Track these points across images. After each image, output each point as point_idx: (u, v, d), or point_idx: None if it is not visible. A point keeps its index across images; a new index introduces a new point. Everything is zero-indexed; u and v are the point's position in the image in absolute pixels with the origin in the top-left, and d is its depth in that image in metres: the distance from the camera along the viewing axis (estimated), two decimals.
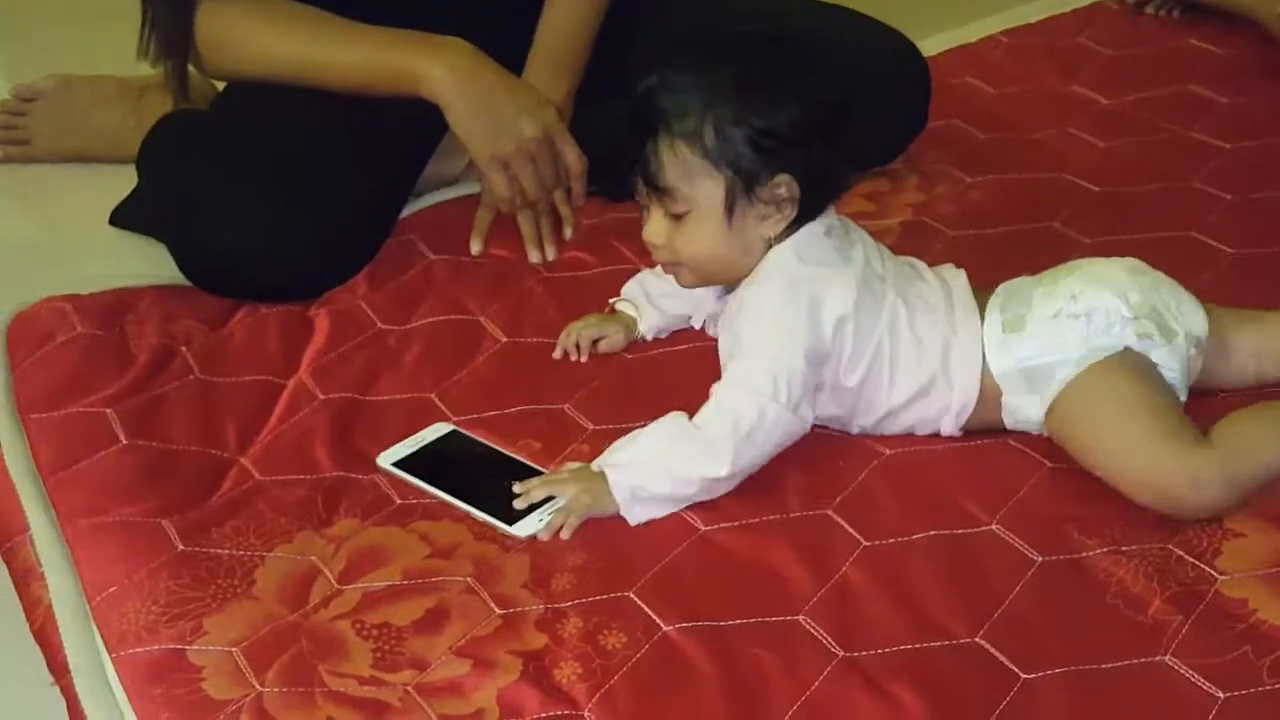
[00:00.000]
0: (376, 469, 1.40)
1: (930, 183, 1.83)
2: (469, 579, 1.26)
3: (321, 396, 1.52)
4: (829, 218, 1.35)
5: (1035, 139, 1.93)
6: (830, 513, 1.30)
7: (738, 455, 1.27)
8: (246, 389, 1.53)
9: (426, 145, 1.81)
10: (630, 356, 1.52)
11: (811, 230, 1.33)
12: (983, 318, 1.34)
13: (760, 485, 1.32)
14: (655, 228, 1.33)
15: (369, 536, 1.32)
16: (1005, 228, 1.73)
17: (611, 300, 1.57)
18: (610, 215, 1.77)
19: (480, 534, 1.30)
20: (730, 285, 1.38)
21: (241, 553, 1.31)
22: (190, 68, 1.74)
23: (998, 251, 1.66)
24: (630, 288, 1.54)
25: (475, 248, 1.74)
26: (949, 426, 1.35)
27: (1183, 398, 1.32)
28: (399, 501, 1.36)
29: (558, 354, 1.53)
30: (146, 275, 1.72)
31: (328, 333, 1.61)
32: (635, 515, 1.29)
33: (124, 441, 1.45)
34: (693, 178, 1.29)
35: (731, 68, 1.29)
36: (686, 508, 1.30)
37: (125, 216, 1.87)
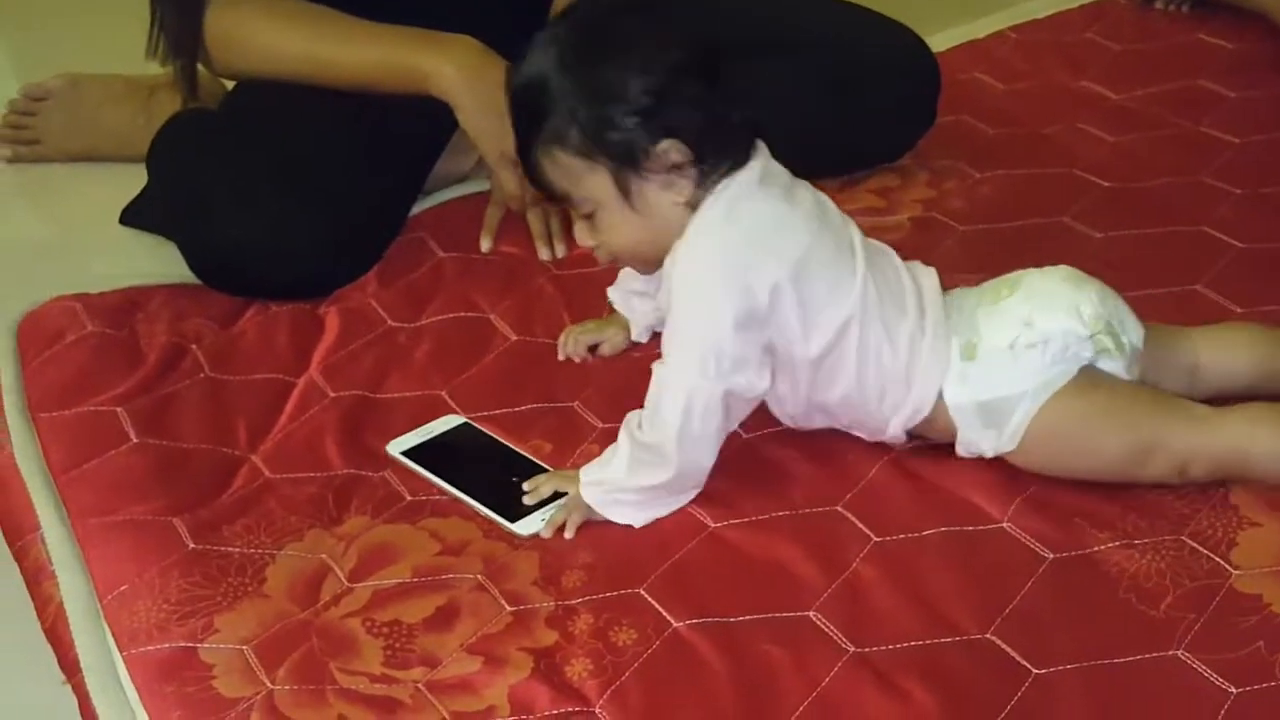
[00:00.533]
0: (386, 465, 1.40)
1: (940, 178, 1.82)
2: (479, 576, 1.26)
3: (332, 394, 1.52)
4: (759, 162, 1.27)
5: (1045, 134, 1.93)
6: (840, 509, 1.30)
7: (682, 452, 1.25)
8: (257, 387, 1.53)
9: (436, 143, 1.81)
10: (638, 354, 1.52)
11: (741, 182, 1.26)
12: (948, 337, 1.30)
13: (769, 481, 1.32)
14: (579, 231, 1.31)
15: (379, 534, 1.32)
16: (1015, 223, 1.72)
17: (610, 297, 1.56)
18: None
19: (490, 531, 1.30)
20: None
21: (252, 551, 1.31)
22: (199, 67, 1.75)
23: (1009, 246, 1.65)
24: (613, 294, 1.52)
25: (485, 245, 1.74)
26: (895, 428, 1.30)
27: None
28: (409, 499, 1.36)
29: (560, 356, 1.53)
30: (156, 274, 1.72)
31: (338, 330, 1.61)
32: (628, 519, 1.29)
33: (134, 440, 1.45)
34: (577, 178, 1.26)
35: (567, 54, 1.24)
36: (695, 504, 1.30)
37: (135, 215, 1.87)
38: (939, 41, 2.10)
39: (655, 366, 1.27)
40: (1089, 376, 1.27)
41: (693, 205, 1.27)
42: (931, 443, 1.32)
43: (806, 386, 1.30)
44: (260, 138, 1.67)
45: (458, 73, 1.63)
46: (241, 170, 1.64)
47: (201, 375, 1.55)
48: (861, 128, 1.78)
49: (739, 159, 1.27)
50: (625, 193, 1.26)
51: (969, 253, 1.64)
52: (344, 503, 1.37)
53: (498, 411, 1.47)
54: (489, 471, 1.38)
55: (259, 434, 1.47)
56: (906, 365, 1.28)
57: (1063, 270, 1.32)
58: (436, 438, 1.43)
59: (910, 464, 1.33)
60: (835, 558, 1.25)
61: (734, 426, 1.30)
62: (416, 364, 1.56)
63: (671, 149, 1.24)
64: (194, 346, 1.60)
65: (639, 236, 1.29)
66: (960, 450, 1.31)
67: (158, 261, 1.76)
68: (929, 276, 1.33)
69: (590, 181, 1.26)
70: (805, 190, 1.32)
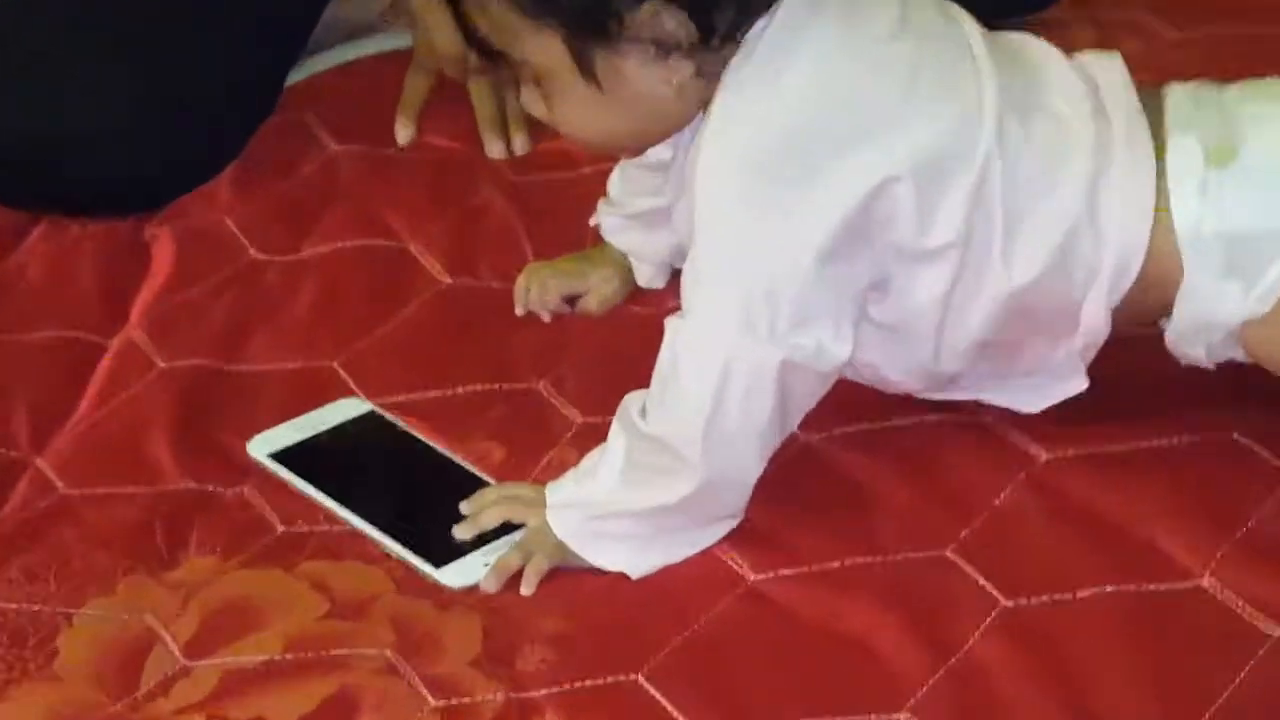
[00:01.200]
0: (247, 475, 1.42)
1: (1113, 37, 1.82)
2: (389, 652, 1.26)
3: (162, 364, 1.52)
4: None
5: None
6: (950, 554, 1.31)
7: (710, 454, 1.26)
8: (45, 352, 1.54)
9: None
10: (638, 308, 1.53)
11: (787, 8, 1.26)
12: (1158, 150, 1.31)
13: (841, 510, 1.34)
14: (527, 95, 1.33)
15: (235, 583, 1.33)
16: None
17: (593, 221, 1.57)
18: None
19: (408, 581, 1.32)
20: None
21: (36, 608, 1.31)
22: None
23: None
24: (603, 216, 1.52)
25: (403, 135, 1.74)
26: (1093, 315, 1.31)
27: None
28: (281, 529, 1.37)
29: (519, 310, 1.54)
30: None
31: (172, 264, 1.62)
32: (622, 563, 1.31)
33: None
34: (515, 36, 1.28)
35: None
36: (727, 543, 1.32)
37: None
38: None
39: (670, 321, 1.28)
40: None
41: (704, 77, 1.28)
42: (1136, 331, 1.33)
43: (932, 310, 1.31)
44: None
45: None
46: (22, 14, 1.64)
47: None
48: None
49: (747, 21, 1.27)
50: (586, 67, 1.27)
51: None
52: (180, 535, 1.37)
53: (421, 395, 1.48)
54: (405, 488, 1.39)
55: (48, 425, 1.47)
56: (1088, 212, 1.29)
57: None
58: (325, 434, 1.44)
59: (1060, 483, 1.35)
60: (943, 631, 1.25)
61: (793, 425, 1.31)
62: (295, 319, 1.57)
63: (660, 16, 1.25)
64: None
65: (608, 124, 1.32)
66: (1176, 322, 1.31)
67: None
68: (1111, 70, 1.35)
69: (535, 45, 1.28)
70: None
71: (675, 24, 1.25)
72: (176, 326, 1.56)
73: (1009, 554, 1.30)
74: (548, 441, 1.43)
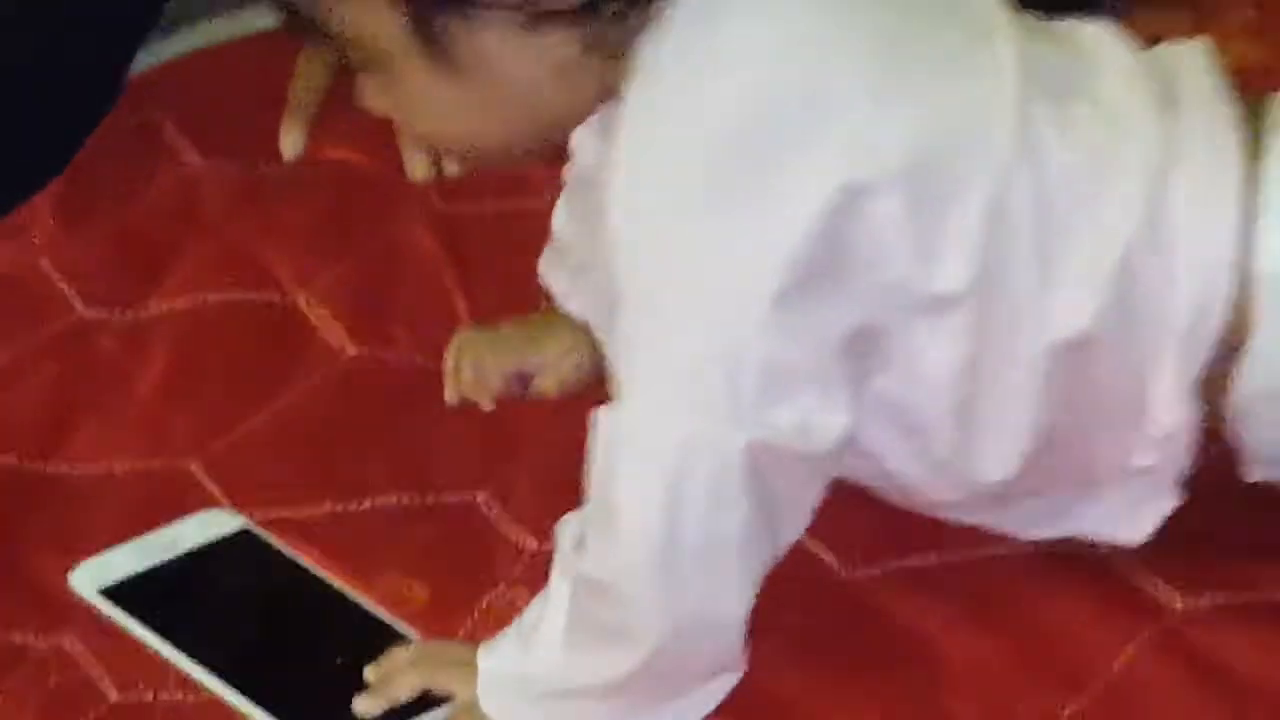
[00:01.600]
0: (66, 620, 1.40)
1: (1210, 18, 1.84)
2: None
3: None
4: None
5: None
6: None
7: (664, 598, 1.25)
8: None
9: None
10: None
11: None
12: (1251, 152, 1.31)
13: (898, 675, 1.35)
14: (363, 86, 1.35)
15: None
16: None
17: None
18: None
19: None
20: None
21: None
22: None
23: None
24: (555, 275, 1.51)
25: (290, 145, 1.71)
26: (1166, 389, 1.29)
27: None
28: (116, 696, 1.37)
29: (450, 396, 1.52)
30: None
31: None
32: None
33: None
34: (342, 7, 1.29)
35: None
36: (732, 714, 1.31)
37: None
38: None
39: (599, 413, 1.27)
40: None
41: (600, 55, 1.29)
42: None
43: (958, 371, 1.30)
44: None
45: None
46: None
47: None
48: None
49: None
50: (430, 43, 1.28)
51: None
52: None
53: (314, 510, 1.47)
54: (287, 640, 1.39)
55: None
56: (1148, 215, 1.29)
57: None
58: (176, 562, 1.44)
59: (1194, 640, 1.36)
60: None
61: (788, 536, 1.30)
62: (138, 401, 1.56)
63: None
64: None
65: (470, 122, 1.33)
66: (1234, 411, 1.31)
67: None
68: (1192, 55, 1.37)
69: (367, 19, 1.29)
70: None
71: None
72: None
73: None
74: (488, 578, 1.42)
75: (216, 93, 1.81)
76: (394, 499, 1.47)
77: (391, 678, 1.34)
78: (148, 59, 1.84)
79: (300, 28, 1.34)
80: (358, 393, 1.56)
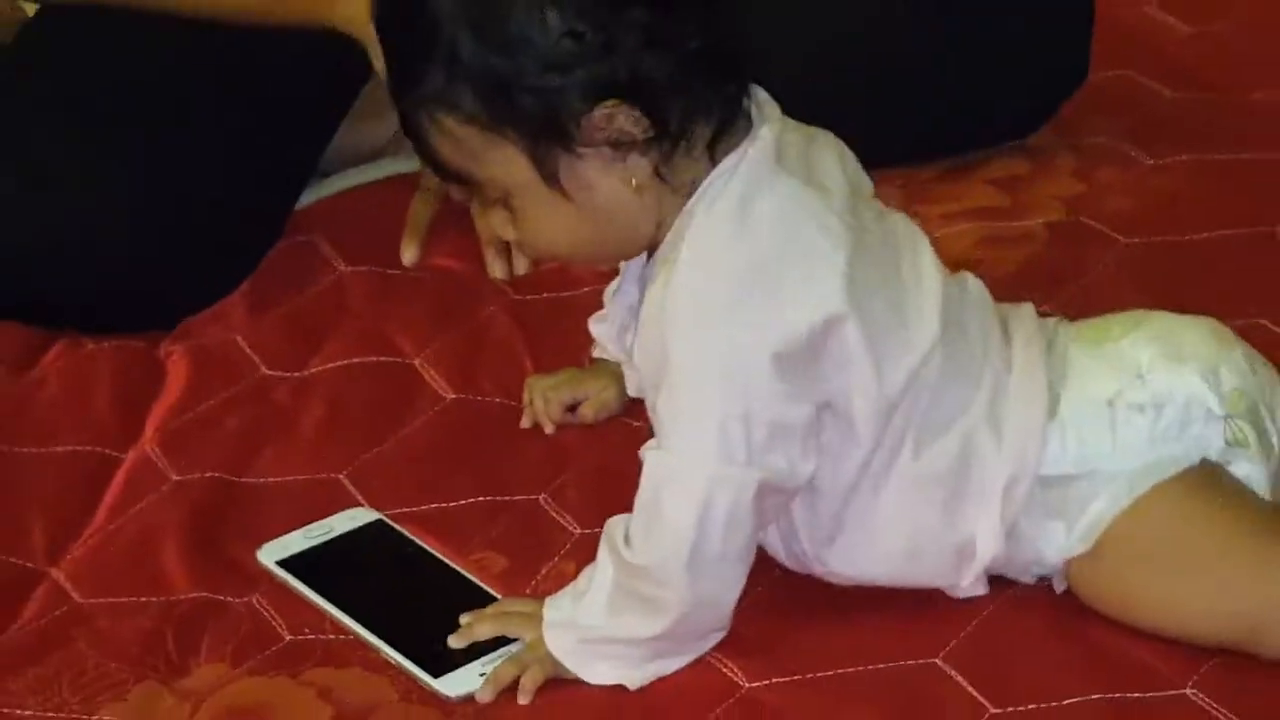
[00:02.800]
0: (256, 586, 1.41)
1: (1092, 164, 1.83)
2: None
3: (175, 477, 1.53)
4: (771, 129, 1.28)
5: (1251, 101, 1.94)
6: (940, 662, 1.30)
7: (695, 583, 1.26)
8: (62, 465, 1.54)
9: (337, 102, 1.82)
10: (635, 422, 1.52)
11: (754, 162, 1.27)
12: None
13: (833, 620, 1.33)
14: (496, 218, 1.32)
15: (243, 691, 1.32)
16: (1205, 233, 1.72)
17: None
18: None
19: (411, 690, 1.31)
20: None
21: (50, 715, 1.30)
22: None
23: (1193, 269, 1.66)
24: (596, 329, 1.52)
25: (409, 256, 1.74)
26: (986, 542, 1.30)
27: None
28: (288, 638, 1.36)
29: (525, 422, 1.54)
30: None
31: (186, 381, 1.62)
32: (617, 678, 1.30)
33: None
34: (477, 155, 1.27)
35: None
36: (720, 651, 1.31)
37: None
38: None
39: (646, 453, 1.28)
40: (1210, 476, 1.29)
41: (666, 182, 1.27)
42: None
43: (861, 466, 1.30)
44: (68, 87, 1.68)
45: None
46: (35, 133, 1.65)
47: None
48: (978, 84, 1.80)
49: (727, 117, 1.27)
50: (549, 175, 1.26)
51: (1135, 278, 1.64)
52: (191, 643, 1.36)
53: (425, 507, 1.47)
54: (407, 597, 1.39)
55: (64, 536, 1.47)
56: (988, 418, 1.29)
57: (1207, 322, 1.34)
58: (332, 542, 1.44)
59: (1042, 596, 1.34)
60: None
61: (756, 541, 1.30)
62: (304, 433, 1.57)
63: (616, 116, 1.24)
64: None
65: (578, 233, 1.30)
66: (1006, 558, 1.31)
67: None
68: (1021, 312, 1.37)
69: (497, 160, 1.26)
70: (828, 155, 1.32)
71: (629, 121, 1.24)
72: (189, 441, 1.56)
73: (998, 663, 1.29)
74: (546, 553, 1.42)
75: (356, 220, 1.80)
76: (480, 498, 1.48)
77: (476, 625, 1.33)
78: (305, 199, 1.83)
79: (445, 176, 1.30)
80: (456, 425, 1.56)
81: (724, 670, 1.30)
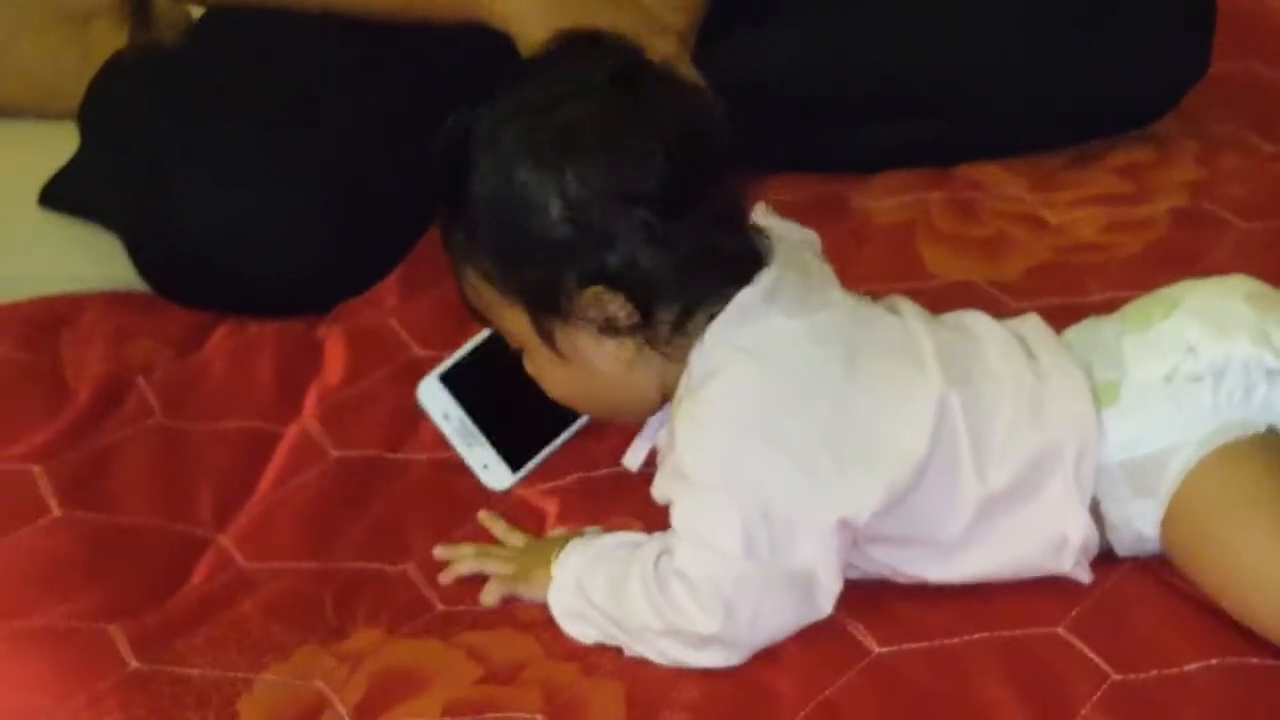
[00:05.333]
0: (408, 555, 1.43)
1: (1214, 152, 1.83)
2: (539, 716, 1.27)
3: (334, 453, 1.54)
4: (770, 273, 1.30)
5: None
6: (1062, 631, 1.30)
7: (740, 637, 1.27)
8: (228, 439, 1.57)
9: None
10: None
11: (744, 306, 1.29)
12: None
13: (958, 588, 1.33)
14: (524, 358, 1.37)
15: (398, 653, 1.34)
16: None
17: None
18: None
19: (553, 650, 1.32)
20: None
21: (219, 673, 1.33)
22: None
23: None
24: None
25: None
26: (1075, 526, 1.29)
27: None
28: (440, 607, 1.39)
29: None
30: (90, 277, 1.76)
31: (344, 361, 1.64)
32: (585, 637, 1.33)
33: (57, 512, 1.48)
34: (491, 307, 1.34)
35: (514, 127, 1.28)
36: (853, 620, 1.31)
37: (61, 193, 1.90)
38: None
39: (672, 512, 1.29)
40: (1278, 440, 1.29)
41: (661, 355, 1.31)
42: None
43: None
44: (238, 87, 1.71)
45: None
46: (211, 132, 1.68)
47: (151, 421, 1.59)
48: (1099, 75, 1.80)
49: (718, 294, 1.30)
50: (546, 338, 1.31)
51: (1253, 261, 1.61)
52: (349, 608, 1.39)
53: (567, 479, 1.49)
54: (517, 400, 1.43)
55: (230, 506, 1.50)
56: (1033, 420, 1.30)
57: (1238, 280, 1.35)
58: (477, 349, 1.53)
59: (1161, 567, 1.34)
60: (1055, 702, 1.25)
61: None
62: None
63: (604, 300, 1.29)
64: (141, 380, 1.63)
65: (576, 390, 1.36)
66: (1116, 544, 1.32)
67: (91, 259, 1.79)
68: (1027, 321, 1.38)
69: (507, 315, 1.33)
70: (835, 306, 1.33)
71: (617, 306, 1.28)
72: (347, 418, 1.58)
73: (1118, 632, 1.29)
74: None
75: None
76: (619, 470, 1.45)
77: (457, 560, 1.39)
78: None
79: (473, 314, 1.36)
80: None
81: (855, 634, 1.31)
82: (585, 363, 1.32)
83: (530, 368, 1.36)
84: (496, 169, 1.28)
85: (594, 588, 1.31)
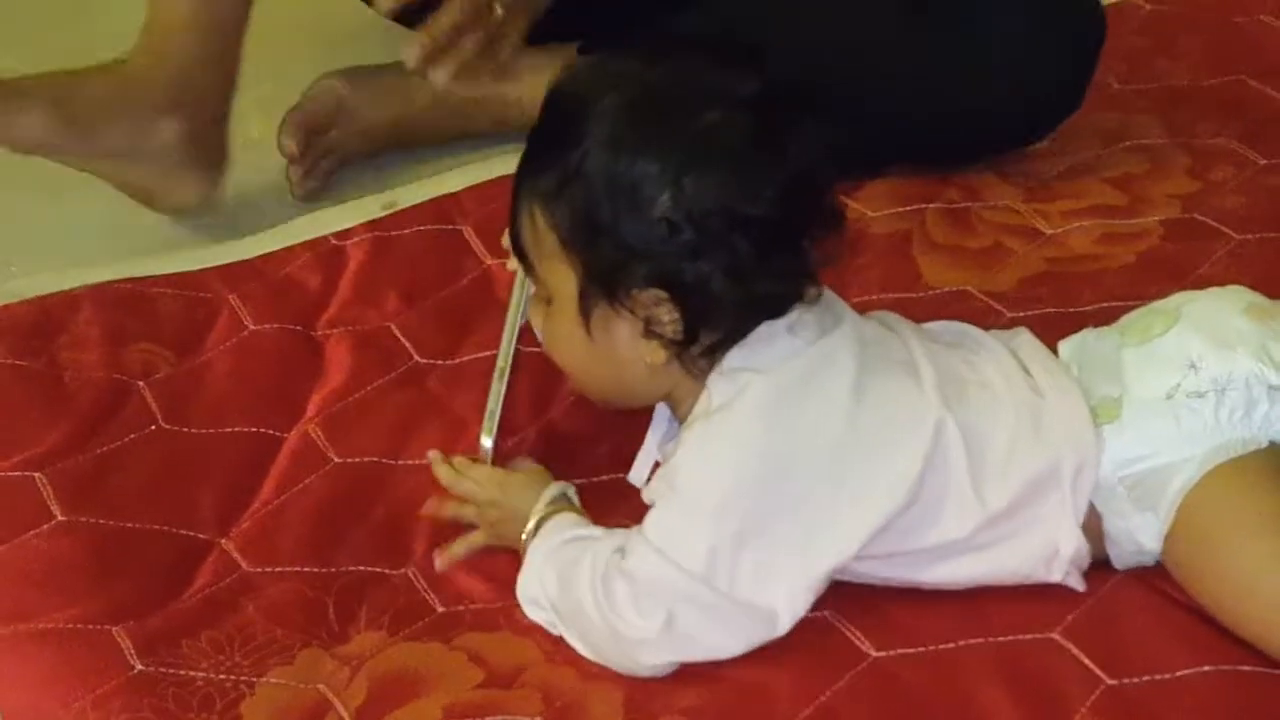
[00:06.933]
0: (408, 560, 1.43)
1: (1206, 164, 1.83)
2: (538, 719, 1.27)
3: (336, 459, 1.55)
4: (797, 310, 1.31)
5: None
6: (1057, 636, 1.30)
7: (657, 612, 1.27)
8: (230, 445, 1.57)
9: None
10: None
11: (767, 337, 1.29)
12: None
13: (954, 593, 1.33)
14: (537, 305, 1.37)
15: (399, 656, 1.34)
16: None
17: None
18: None
19: (553, 655, 1.32)
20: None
21: (222, 676, 1.33)
22: None
23: None
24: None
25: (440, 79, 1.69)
26: (1067, 540, 1.30)
27: None
28: (440, 610, 1.38)
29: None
30: (85, 265, 1.77)
31: (346, 366, 1.64)
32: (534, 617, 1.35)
33: (60, 518, 1.48)
34: (545, 255, 1.31)
35: (637, 103, 1.27)
36: (851, 625, 1.32)
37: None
38: None
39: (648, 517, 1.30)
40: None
41: (683, 369, 1.31)
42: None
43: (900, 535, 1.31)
44: None
45: None
46: None
47: (153, 426, 1.59)
48: (977, 98, 1.79)
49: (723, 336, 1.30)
50: (585, 310, 1.30)
51: (1246, 272, 1.63)
52: (350, 611, 1.39)
53: (579, 481, 1.46)
54: None
55: (233, 511, 1.50)
56: (1032, 431, 1.30)
57: (1241, 293, 1.35)
58: None
59: (1156, 575, 1.34)
60: (1050, 707, 1.25)
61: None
62: (456, 417, 1.57)
63: (660, 305, 1.28)
64: (141, 385, 1.63)
65: (586, 366, 1.35)
66: (1114, 556, 1.32)
67: (85, 243, 1.84)
68: (1018, 335, 1.38)
69: (557, 270, 1.31)
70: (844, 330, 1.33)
71: (667, 314, 1.27)
72: (348, 424, 1.58)
73: (1112, 637, 1.30)
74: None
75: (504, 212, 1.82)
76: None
77: (438, 508, 1.43)
78: (454, 184, 1.87)
79: (516, 250, 1.34)
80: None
81: (851, 639, 1.31)
82: (610, 349, 1.31)
83: (542, 321, 1.35)
84: (618, 144, 1.26)
85: (548, 577, 1.31)
